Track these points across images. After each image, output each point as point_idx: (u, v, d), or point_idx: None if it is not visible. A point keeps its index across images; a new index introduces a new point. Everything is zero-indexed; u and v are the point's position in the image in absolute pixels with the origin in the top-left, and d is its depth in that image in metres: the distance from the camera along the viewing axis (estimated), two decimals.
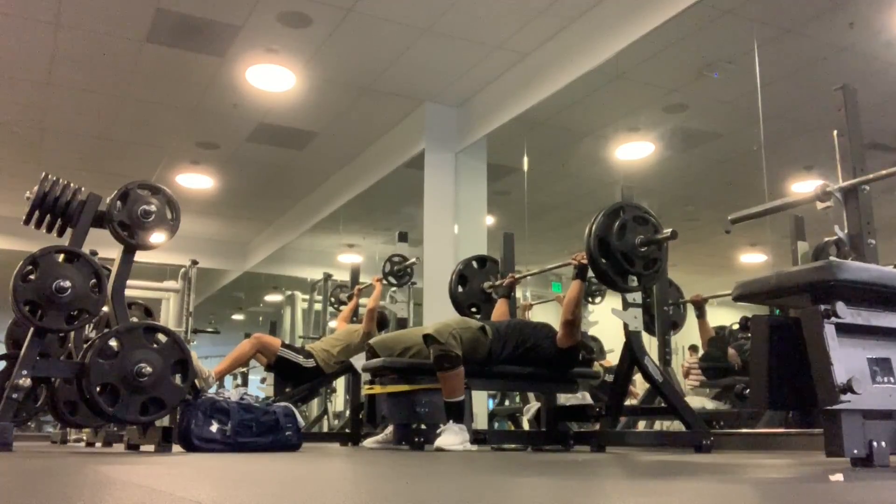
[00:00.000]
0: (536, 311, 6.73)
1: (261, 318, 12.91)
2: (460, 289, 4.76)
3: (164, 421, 3.52)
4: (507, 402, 6.20)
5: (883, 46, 5.08)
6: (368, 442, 4.44)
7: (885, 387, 1.96)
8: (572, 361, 3.97)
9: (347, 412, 5.78)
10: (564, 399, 4.40)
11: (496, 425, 6.42)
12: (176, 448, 3.44)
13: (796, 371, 1.97)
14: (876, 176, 2.49)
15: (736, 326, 5.52)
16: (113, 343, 3.27)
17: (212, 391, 3.90)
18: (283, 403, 3.89)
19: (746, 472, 2.05)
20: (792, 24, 4.96)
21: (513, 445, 4.26)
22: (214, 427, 3.42)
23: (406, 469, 2.26)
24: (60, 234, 3.51)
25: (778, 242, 5.11)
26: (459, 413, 3.62)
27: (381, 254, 7.33)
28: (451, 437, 3.51)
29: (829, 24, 4.96)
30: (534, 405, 4.51)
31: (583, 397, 4.70)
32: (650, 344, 4.61)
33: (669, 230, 3.44)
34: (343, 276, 7.47)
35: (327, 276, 8.09)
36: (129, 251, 3.53)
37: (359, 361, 4.51)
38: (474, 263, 4.88)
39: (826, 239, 3.63)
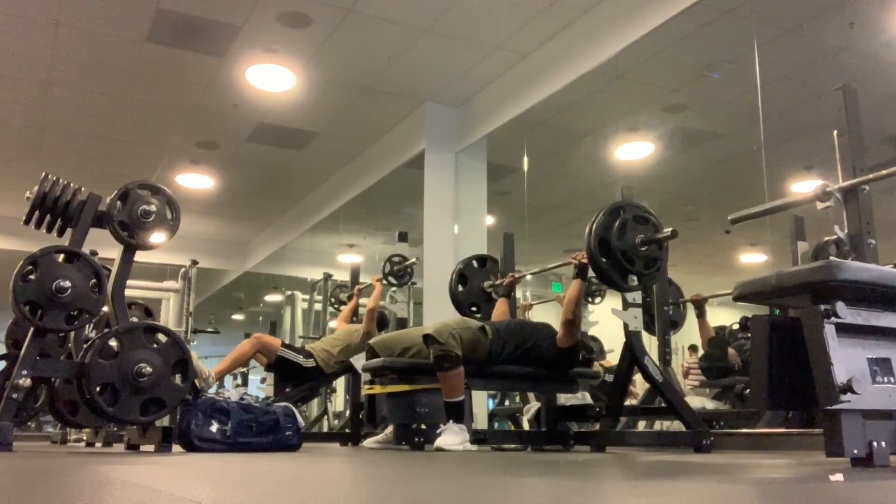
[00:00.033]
0: (536, 311, 6.73)
1: (261, 318, 12.91)
2: (460, 288, 4.76)
3: (164, 421, 3.52)
4: (507, 402, 6.21)
5: (883, 46, 5.08)
6: (368, 442, 4.44)
7: (885, 387, 1.96)
8: (572, 361, 3.97)
9: (347, 412, 5.78)
10: (564, 399, 4.40)
11: (496, 425, 6.42)
12: (176, 448, 3.44)
13: (796, 371, 1.97)
14: (876, 176, 2.49)
15: (736, 326, 5.52)
16: (113, 343, 3.27)
17: (212, 391, 3.90)
18: (283, 403, 3.89)
19: (746, 472, 2.05)
20: (792, 24, 4.96)
21: (513, 445, 4.26)
22: (214, 427, 3.42)
23: (406, 469, 2.26)
24: (60, 234, 3.51)
25: (778, 242, 5.11)
26: (459, 413, 3.62)
27: (381, 254, 7.33)
28: (451, 437, 3.51)
29: (829, 24, 4.96)
30: (534, 405, 4.51)
31: (583, 397, 4.70)
32: (650, 344, 4.61)
33: (670, 229, 3.44)
34: (343, 276, 7.47)
35: (327, 276, 8.09)
36: (129, 251, 3.53)
37: (359, 361, 4.51)
38: (474, 263, 4.88)
39: (826, 238, 3.64)
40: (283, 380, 5.05)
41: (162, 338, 3.41)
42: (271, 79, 6.15)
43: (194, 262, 5.94)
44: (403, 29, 5.40)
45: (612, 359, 4.99)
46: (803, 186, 5.42)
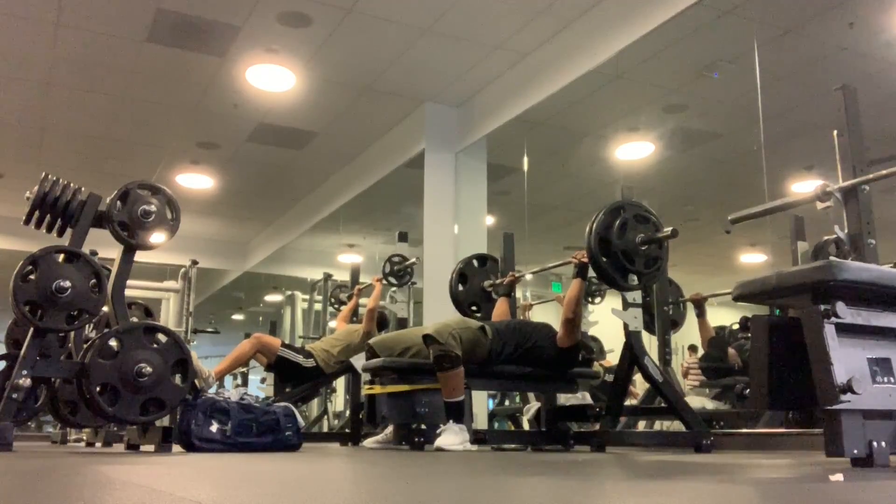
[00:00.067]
0: (536, 311, 6.73)
1: (261, 318, 12.91)
2: (461, 287, 4.76)
3: (164, 421, 3.52)
4: (507, 402, 6.20)
5: (883, 46, 5.08)
6: (368, 442, 4.44)
7: (885, 387, 1.96)
8: (572, 361, 3.97)
9: (347, 412, 5.78)
10: (564, 399, 4.40)
11: (496, 425, 6.42)
12: (176, 448, 3.44)
13: (796, 371, 1.97)
14: (876, 176, 2.49)
15: (736, 326, 5.52)
16: (113, 343, 3.27)
17: (212, 391, 3.90)
18: (283, 403, 3.89)
19: (746, 472, 2.05)
20: (792, 24, 4.96)
21: (513, 445, 4.26)
22: (214, 427, 3.42)
23: (406, 469, 2.26)
24: (60, 234, 3.51)
25: (778, 242, 5.12)
26: (459, 413, 3.62)
27: (381, 254, 7.33)
28: (451, 437, 3.51)
29: (829, 24, 4.96)
30: (534, 405, 4.51)
31: (583, 397, 4.70)
32: (650, 343, 4.61)
33: (670, 229, 3.44)
34: (343, 276, 7.47)
35: (327, 276, 8.09)
36: (129, 251, 3.53)
37: (359, 361, 4.51)
38: (475, 262, 4.89)
39: (826, 238, 3.63)
40: (283, 380, 5.05)
41: (162, 338, 3.41)
42: (271, 79, 6.15)
43: (194, 262, 5.94)
44: (403, 29, 5.40)
45: (612, 359, 4.99)
46: (803, 186, 5.42)
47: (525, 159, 6.60)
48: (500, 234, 4.91)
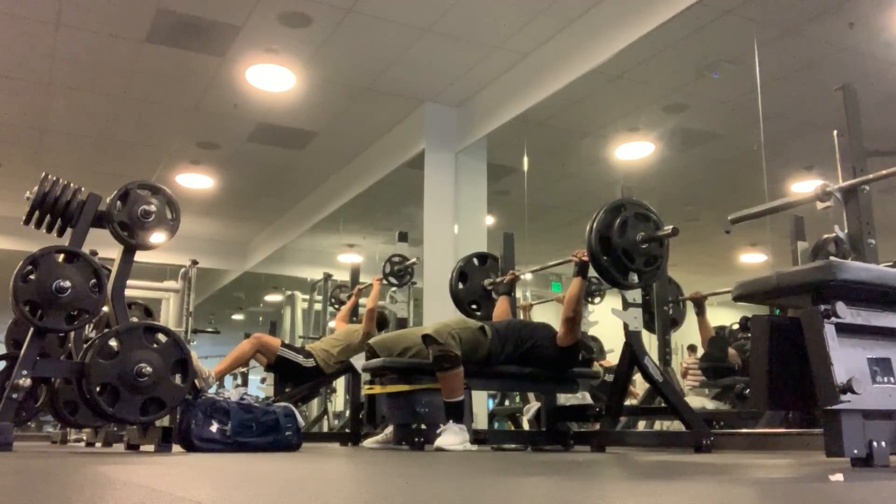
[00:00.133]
0: (536, 311, 6.73)
1: (261, 318, 12.92)
2: (461, 286, 4.77)
3: (164, 421, 3.52)
4: (507, 402, 6.20)
5: (883, 46, 5.08)
6: (368, 442, 4.44)
7: (885, 387, 1.96)
8: (572, 361, 3.97)
9: (347, 412, 5.78)
10: (564, 399, 4.40)
11: (496, 425, 6.42)
12: (176, 448, 3.44)
13: (796, 371, 1.97)
14: (876, 176, 2.49)
15: (736, 326, 5.52)
16: (113, 343, 3.27)
17: (212, 391, 3.90)
18: (283, 403, 3.89)
19: (746, 472, 2.05)
20: (792, 24, 4.96)
21: (513, 445, 4.26)
22: (214, 427, 3.42)
23: (406, 469, 2.26)
24: (60, 234, 3.51)
25: (778, 242, 5.11)
26: (459, 413, 3.62)
27: (381, 254, 7.33)
28: (451, 437, 3.51)
29: (829, 24, 4.96)
30: (534, 405, 4.51)
31: (583, 397, 4.70)
32: (650, 343, 4.61)
33: (670, 227, 3.45)
34: (343, 276, 7.47)
35: (327, 276, 8.10)
36: (129, 251, 3.53)
37: (359, 361, 4.51)
38: (475, 260, 4.89)
39: (825, 236, 3.63)
40: (283, 380, 5.05)
41: (162, 338, 3.42)
42: (271, 79, 6.15)
43: (194, 262, 5.95)
44: (403, 29, 5.40)
45: (612, 359, 4.99)
46: (803, 186, 5.42)
47: (525, 159, 6.59)
48: (500, 234, 4.91)
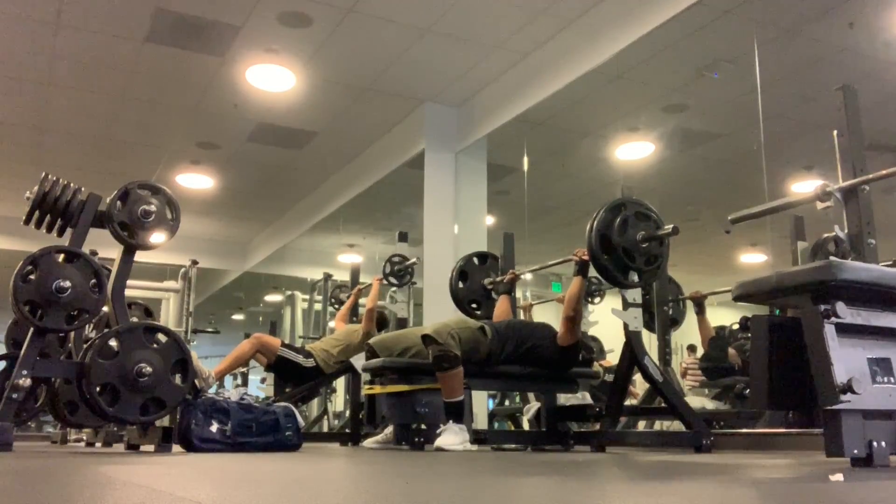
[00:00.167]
0: (536, 311, 6.73)
1: (261, 318, 12.92)
2: (461, 285, 4.77)
3: (164, 421, 3.52)
4: (507, 402, 6.21)
5: (883, 46, 5.08)
6: (368, 442, 4.44)
7: (885, 387, 1.96)
8: (572, 361, 3.97)
9: (347, 412, 5.78)
10: (564, 399, 4.40)
11: (496, 425, 6.42)
12: (176, 448, 3.44)
13: (796, 371, 1.97)
14: (876, 176, 2.49)
15: (736, 326, 5.52)
16: (113, 343, 3.27)
17: (212, 391, 3.90)
18: (283, 403, 3.89)
19: (746, 472, 2.05)
20: (792, 24, 4.96)
21: (513, 445, 4.26)
22: (214, 427, 3.42)
23: (406, 469, 2.26)
24: (60, 234, 3.51)
25: (778, 242, 5.11)
26: (459, 413, 3.62)
27: (381, 254, 7.33)
28: (451, 437, 3.51)
29: (829, 24, 4.96)
30: (534, 405, 4.51)
31: (583, 397, 4.70)
32: (650, 343, 4.61)
33: (671, 226, 3.45)
34: (343, 276, 7.47)
35: (327, 276, 8.10)
36: (129, 251, 3.53)
37: (359, 361, 4.51)
38: (475, 260, 4.90)
39: (825, 235, 3.63)
40: (283, 380, 5.05)
41: (162, 338, 3.42)
42: (271, 79, 6.15)
43: (194, 262, 5.95)
44: (403, 29, 5.40)
45: (612, 359, 4.99)
46: (803, 186, 5.42)
47: (525, 159, 6.59)
48: (500, 234, 4.91)
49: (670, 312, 5.34)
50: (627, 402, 4.20)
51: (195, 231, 9.84)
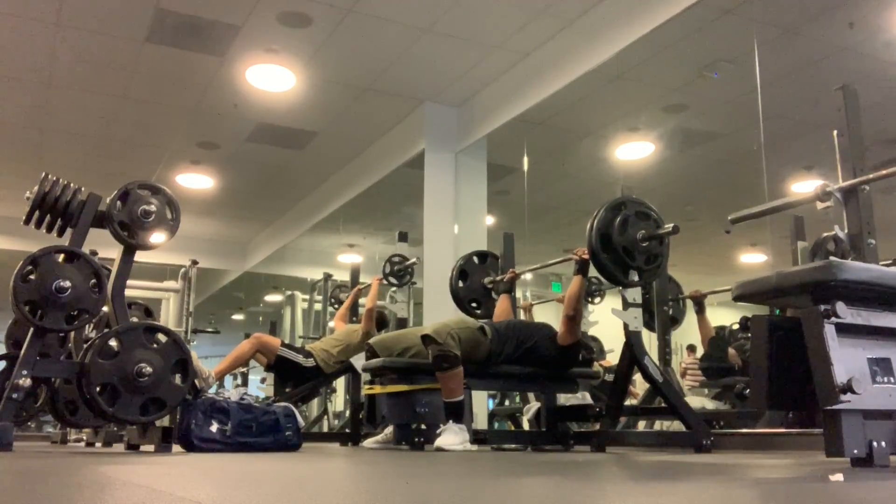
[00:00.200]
0: (536, 311, 6.73)
1: (261, 318, 12.92)
2: (461, 284, 4.77)
3: (164, 421, 3.52)
4: (507, 402, 6.21)
5: (883, 46, 5.08)
6: (368, 442, 4.44)
7: (885, 387, 1.96)
8: (573, 361, 3.97)
9: (347, 412, 5.78)
10: (564, 399, 4.40)
11: (496, 425, 6.42)
12: (176, 448, 3.44)
13: (796, 371, 1.97)
14: (876, 176, 2.49)
15: (736, 326, 5.52)
16: (113, 343, 3.27)
17: (212, 391, 3.90)
18: (283, 403, 3.89)
19: (746, 472, 2.05)
20: (792, 24, 4.96)
21: (513, 445, 4.26)
22: (214, 427, 3.42)
23: (406, 469, 2.26)
24: (60, 234, 3.51)
25: (778, 242, 5.11)
26: (459, 413, 3.62)
27: (381, 254, 7.33)
28: (451, 437, 3.51)
29: (829, 24, 4.96)
30: (534, 405, 4.51)
31: (583, 397, 4.70)
32: (650, 342, 4.61)
33: (671, 225, 3.45)
34: (343, 276, 7.47)
35: (327, 276, 8.09)
36: (129, 251, 3.53)
37: (359, 361, 4.51)
38: (475, 259, 4.90)
39: (824, 234, 3.63)
40: (283, 380, 5.05)
41: (162, 338, 3.41)
42: (271, 79, 6.15)
43: (194, 262, 5.94)
44: (403, 29, 5.40)
45: (612, 359, 4.99)
46: (803, 186, 5.42)
47: (525, 159, 6.59)
48: (500, 234, 4.91)
49: (670, 312, 5.34)
50: (627, 402, 4.20)
51: (195, 231, 9.84)
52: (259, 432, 3.54)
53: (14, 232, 6.93)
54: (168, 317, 6.35)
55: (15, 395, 3.20)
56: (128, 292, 3.73)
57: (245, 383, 9.18)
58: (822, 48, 5.20)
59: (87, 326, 3.77)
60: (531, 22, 5.29)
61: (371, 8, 5.13)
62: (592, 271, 3.77)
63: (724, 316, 6.49)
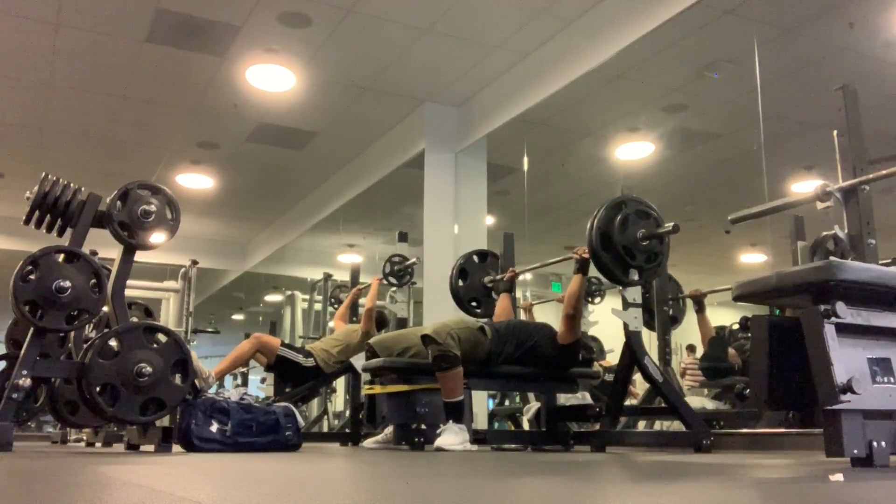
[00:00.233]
0: (536, 311, 6.73)
1: (261, 318, 12.92)
2: (461, 283, 4.77)
3: (164, 421, 3.52)
4: (507, 402, 6.21)
5: (883, 46, 5.08)
6: (368, 442, 4.44)
7: (885, 387, 1.96)
8: (573, 360, 3.97)
9: (347, 412, 5.78)
10: (564, 399, 4.40)
11: (496, 425, 6.42)
12: (176, 448, 3.44)
13: (796, 371, 1.97)
14: (876, 176, 2.49)
15: (736, 326, 5.52)
16: (113, 343, 3.27)
17: (212, 391, 3.90)
18: (283, 403, 3.89)
19: (746, 472, 2.05)
20: (792, 24, 4.96)
21: (513, 445, 4.26)
22: (214, 427, 3.42)
23: (406, 469, 2.26)
24: (60, 234, 3.51)
25: (778, 242, 5.11)
26: (459, 413, 3.62)
27: (381, 254, 7.33)
28: (451, 437, 3.51)
29: (829, 24, 4.96)
30: (534, 405, 4.51)
31: (583, 397, 4.70)
32: (650, 342, 4.60)
33: (671, 224, 3.45)
34: (343, 276, 7.47)
35: (327, 276, 8.10)
36: (129, 251, 3.53)
37: (359, 361, 4.51)
38: (475, 258, 4.90)
39: (824, 233, 3.63)
40: (283, 380, 5.05)
41: (162, 338, 3.41)
42: (271, 79, 6.15)
43: (194, 262, 5.94)
44: (403, 29, 5.40)
45: (612, 359, 4.99)
46: (803, 186, 5.42)
47: (525, 159, 6.59)
48: (500, 234, 4.91)
49: (670, 311, 5.34)
50: (627, 402, 4.20)
51: (195, 231, 9.84)
52: (259, 432, 3.54)
53: (14, 232, 6.94)
54: (168, 317, 6.35)
55: (15, 395, 3.20)
56: (128, 292, 3.73)
57: (245, 383, 9.18)
58: (822, 48, 5.20)
59: (87, 326, 3.76)
60: (531, 22, 5.29)
61: (371, 8, 5.13)
62: (593, 271, 3.78)
63: (724, 316, 6.49)
